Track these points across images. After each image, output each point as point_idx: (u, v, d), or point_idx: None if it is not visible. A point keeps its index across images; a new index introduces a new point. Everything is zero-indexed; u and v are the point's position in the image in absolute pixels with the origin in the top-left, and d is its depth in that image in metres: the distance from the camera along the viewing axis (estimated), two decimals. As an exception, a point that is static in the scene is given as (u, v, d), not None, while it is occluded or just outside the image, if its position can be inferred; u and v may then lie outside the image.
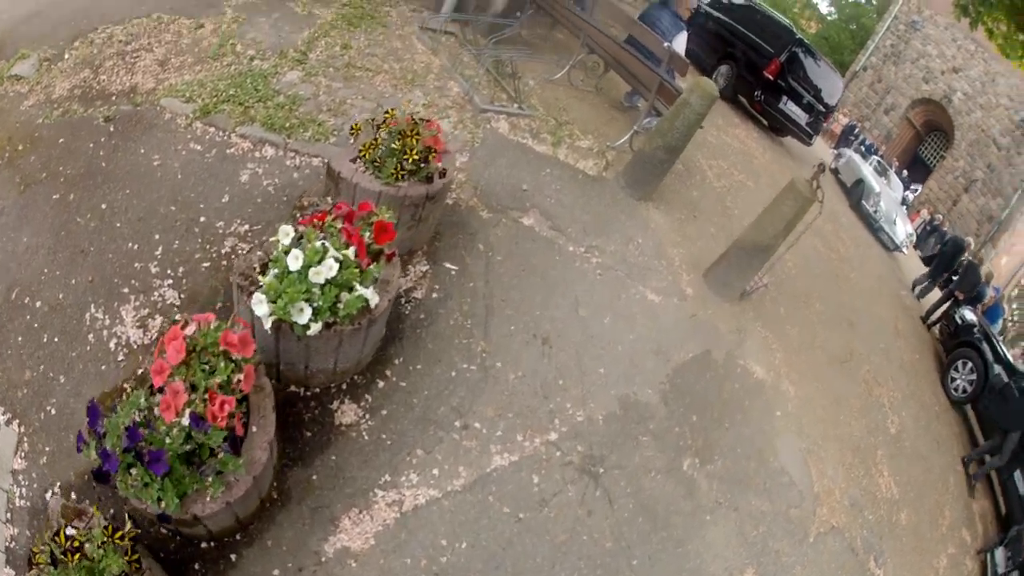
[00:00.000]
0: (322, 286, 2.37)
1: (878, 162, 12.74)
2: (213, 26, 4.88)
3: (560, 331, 3.47)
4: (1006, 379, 6.95)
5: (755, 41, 8.96)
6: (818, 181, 3.99)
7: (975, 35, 20.20)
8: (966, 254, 10.04)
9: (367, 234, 2.65)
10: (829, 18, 30.63)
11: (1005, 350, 7.77)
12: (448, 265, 3.47)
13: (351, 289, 2.45)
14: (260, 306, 2.30)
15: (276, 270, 2.40)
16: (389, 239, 2.66)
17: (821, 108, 9.24)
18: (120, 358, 2.89)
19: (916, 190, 18.85)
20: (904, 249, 10.97)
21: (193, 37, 4.74)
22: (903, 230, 10.89)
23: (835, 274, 6.37)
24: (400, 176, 3.06)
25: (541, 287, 3.55)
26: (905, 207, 14.97)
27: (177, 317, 2.99)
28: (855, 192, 10.95)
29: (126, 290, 3.10)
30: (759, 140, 8.33)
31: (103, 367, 2.87)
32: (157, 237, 3.30)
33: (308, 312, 2.32)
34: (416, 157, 3.06)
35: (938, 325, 8.59)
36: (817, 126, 9.43)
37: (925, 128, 22.42)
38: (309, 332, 2.36)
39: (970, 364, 7.27)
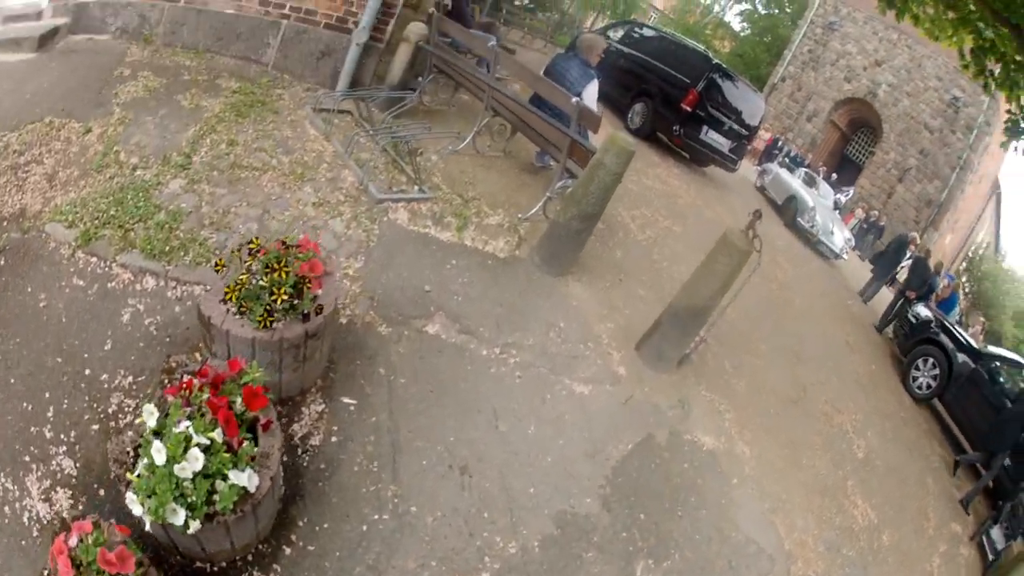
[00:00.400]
0: (192, 479, 2.11)
1: (806, 173, 12.90)
2: (100, 130, 4.45)
3: (479, 454, 3.10)
4: (972, 364, 7.05)
5: (670, 73, 8.84)
6: (755, 230, 3.74)
7: (899, 24, 20.27)
8: (911, 248, 10.15)
9: (238, 401, 2.32)
10: (743, 34, 30.71)
11: (966, 336, 7.80)
12: (346, 400, 3.07)
13: (225, 477, 2.17)
14: (135, 506, 2.11)
15: (146, 459, 2.14)
16: (262, 405, 2.35)
17: (743, 131, 9.19)
18: (35, 534, 2.55)
19: (848, 192, 19.12)
20: (844, 255, 11.13)
21: (81, 144, 4.31)
22: (841, 237, 11.04)
23: (777, 306, 6.22)
24: (269, 321, 2.68)
25: (453, 407, 3.18)
26: (838, 211, 15.29)
27: (65, 514, 2.63)
28: (788, 209, 10.99)
29: (27, 458, 2.74)
30: (681, 176, 8.15)
31: (23, 542, 2.53)
32: (47, 395, 2.92)
33: (182, 513, 2.09)
34: (285, 297, 2.69)
35: (891, 326, 8.60)
36: (740, 151, 9.39)
37: (851, 127, 22.78)
38: (190, 531, 2.12)
39: (931, 360, 7.26)
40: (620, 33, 10.54)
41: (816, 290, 8.01)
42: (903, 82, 20.73)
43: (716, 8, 31.79)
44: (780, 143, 18.50)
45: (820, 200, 11.69)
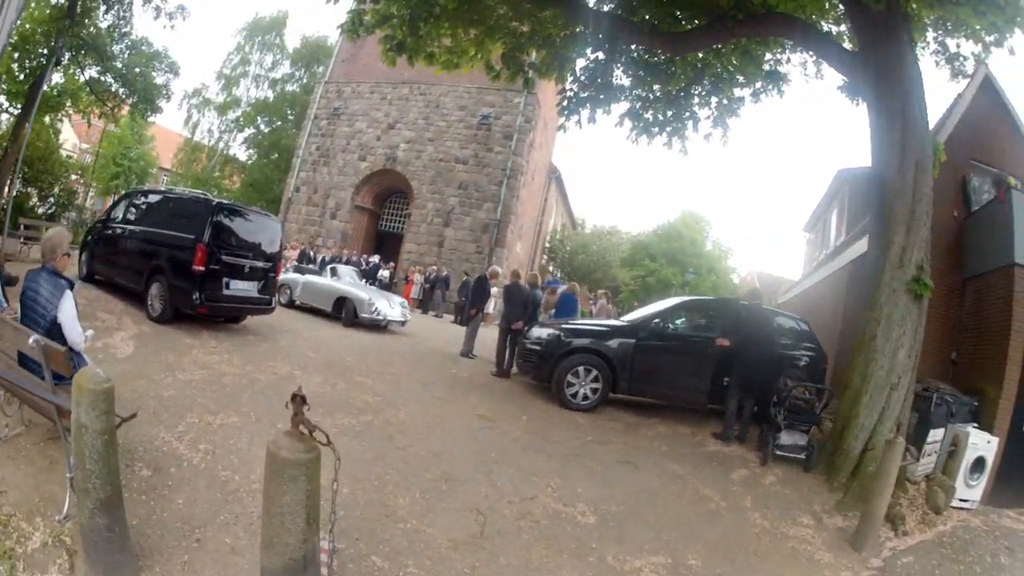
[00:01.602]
0: None
1: (330, 269, 12.73)
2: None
3: None
4: (632, 340, 7.20)
5: (174, 236, 7.50)
6: (306, 421, 2.84)
7: (404, 75, 19.54)
8: (494, 283, 10.56)
9: None
10: (251, 162, 29.88)
11: (603, 323, 7.99)
12: None
13: None
14: None
15: None
16: None
17: (267, 265, 8.22)
18: None
19: (390, 265, 19.27)
20: (406, 318, 11.57)
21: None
22: (397, 305, 11.50)
23: (387, 441, 5.20)
24: None
25: None
26: (378, 283, 16.12)
27: None
28: (348, 311, 10.83)
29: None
30: (220, 347, 6.96)
31: None
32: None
33: None
34: None
35: (516, 363, 8.30)
36: (270, 286, 8.45)
37: (378, 203, 23.09)
38: None
39: (582, 368, 7.15)
40: (122, 209, 8.74)
41: (414, 382, 7.26)
42: (421, 131, 21.20)
43: (220, 145, 30.46)
44: (311, 253, 17.23)
45: (367, 287, 12.14)
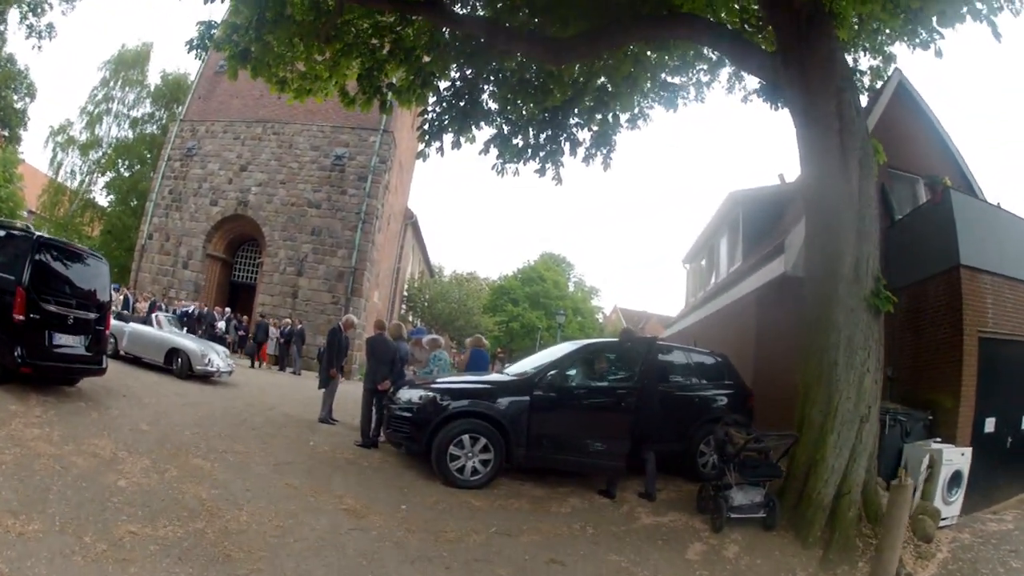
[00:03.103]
0: None
1: (155, 317, 11.83)
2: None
3: None
4: (526, 397, 5.83)
5: None
6: None
7: (259, 112, 19.08)
8: (348, 333, 9.09)
9: None
10: (110, 209, 26.33)
11: (466, 379, 6.48)
12: None
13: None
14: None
15: None
16: None
17: (95, 315, 6.69)
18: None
19: (231, 318, 17.46)
20: (232, 368, 11.08)
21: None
22: (223, 356, 11.03)
23: (221, 565, 3.47)
24: None
25: None
26: (219, 333, 15.37)
27: None
28: (181, 364, 10.13)
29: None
30: (44, 414, 5.54)
31: None
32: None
33: None
34: None
35: (384, 432, 6.72)
36: (101, 342, 6.85)
37: (230, 251, 20.90)
38: None
39: (468, 435, 5.60)
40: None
41: (266, 471, 5.41)
42: (274, 173, 19.53)
43: (81, 188, 26.32)
44: (160, 305, 15.33)
45: (193, 338, 11.76)
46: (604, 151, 7.67)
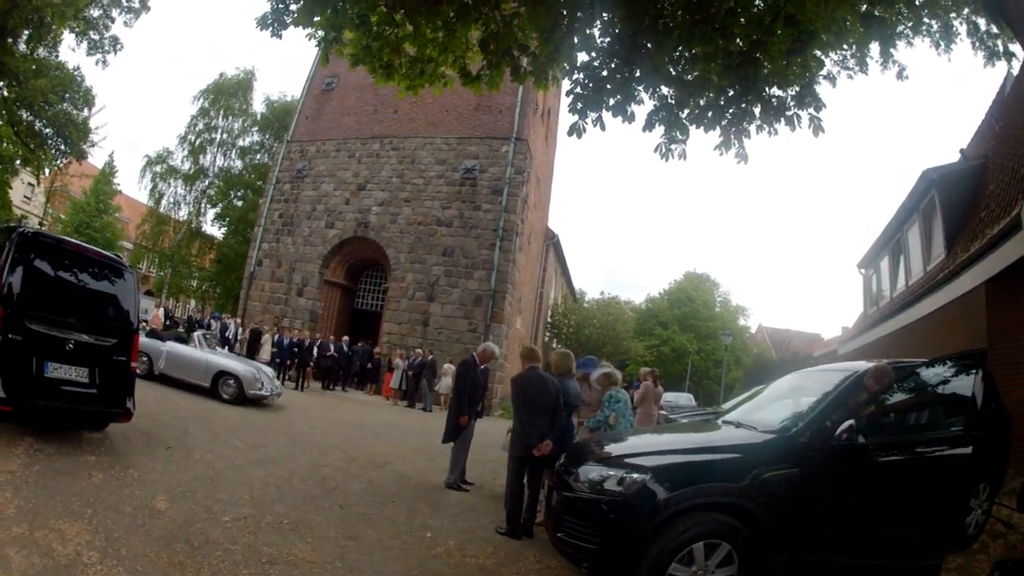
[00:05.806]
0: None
1: (196, 336, 11.48)
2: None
3: None
4: (798, 470, 3.63)
5: None
6: None
7: (374, 128, 18.20)
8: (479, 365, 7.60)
9: None
10: (223, 238, 27.32)
11: (729, 435, 4.23)
12: None
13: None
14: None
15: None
16: None
17: (107, 340, 5.25)
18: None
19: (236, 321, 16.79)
20: (280, 391, 10.73)
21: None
22: (271, 378, 10.73)
23: None
24: None
25: None
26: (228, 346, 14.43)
27: None
28: (232, 391, 9.81)
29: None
30: (11, 476, 4.10)
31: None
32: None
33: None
34: None
35: (549, 524, 4.29)
36: (121, 378, 5.33)
37: (351, 277, 20.16)
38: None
39: (701, 544, 3.42)
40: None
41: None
42: (396, 191, 18.29)
43: (188, 218, 27.94)
44: (204, 321, 14.95)
45: (240, 358, 11.47)
46: (810, 111, 5.47)
